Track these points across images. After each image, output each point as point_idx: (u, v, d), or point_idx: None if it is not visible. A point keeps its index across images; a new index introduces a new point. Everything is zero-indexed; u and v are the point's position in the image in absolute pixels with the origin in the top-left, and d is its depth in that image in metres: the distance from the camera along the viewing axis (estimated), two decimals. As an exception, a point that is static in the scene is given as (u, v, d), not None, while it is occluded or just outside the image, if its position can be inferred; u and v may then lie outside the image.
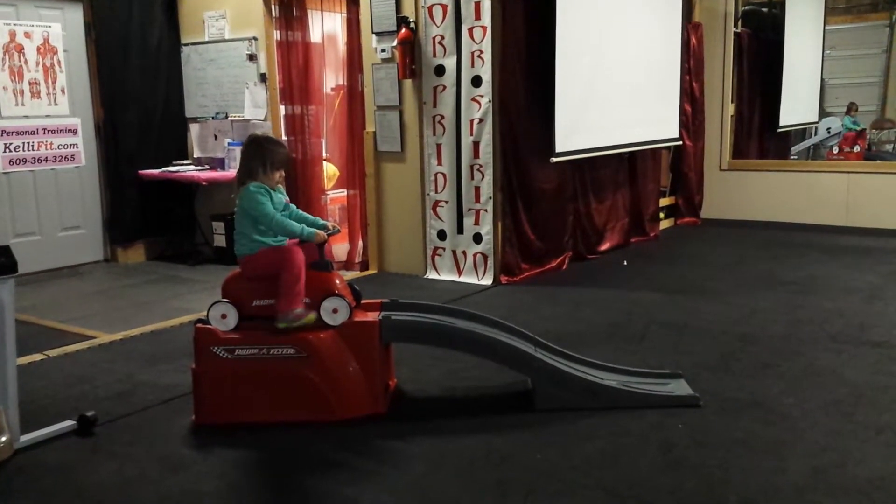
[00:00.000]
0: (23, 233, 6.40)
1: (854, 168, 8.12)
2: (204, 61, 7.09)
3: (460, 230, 5.78)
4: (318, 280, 3.27)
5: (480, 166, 5.63)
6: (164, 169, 6.93)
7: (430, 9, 5.66)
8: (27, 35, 6.29)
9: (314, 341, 3.20)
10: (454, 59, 5.62)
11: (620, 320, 4.71)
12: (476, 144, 5.63)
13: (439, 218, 5.87)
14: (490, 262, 5.69)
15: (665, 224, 7.98)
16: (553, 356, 3.48)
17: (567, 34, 5.71)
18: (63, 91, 6.55)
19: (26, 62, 6.30)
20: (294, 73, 6.59)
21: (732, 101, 8.52)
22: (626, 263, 6.38)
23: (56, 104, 6.51)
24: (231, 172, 6.78)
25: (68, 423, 3.22)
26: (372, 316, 3.35)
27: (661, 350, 4.13)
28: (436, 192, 5.85)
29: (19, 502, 2.69)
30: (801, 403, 3.34)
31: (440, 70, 5.70)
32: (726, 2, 8.19)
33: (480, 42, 5.51)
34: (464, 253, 5.80)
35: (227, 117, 6.96)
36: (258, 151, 3.32)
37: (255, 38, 6.70)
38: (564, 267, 6.18)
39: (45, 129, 6.43)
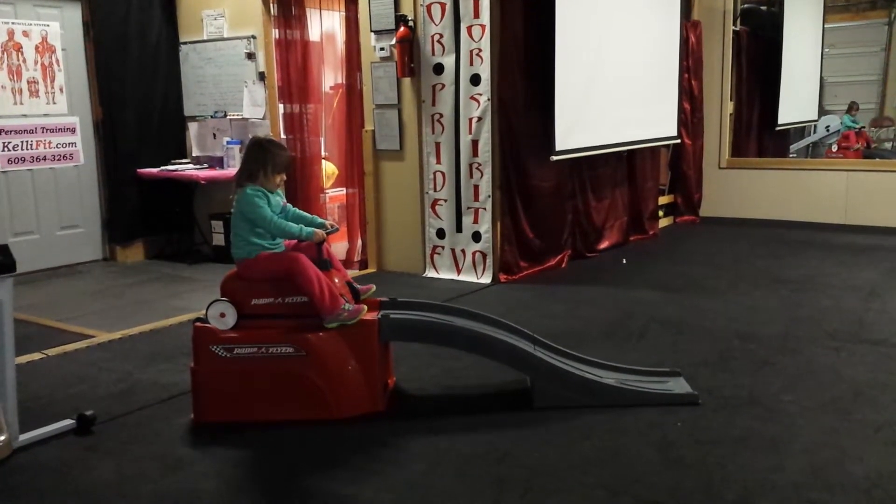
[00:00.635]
0: (21, 232, 6.40)
1: (853, 166, 8.12)
2: (202, 60, 7.09)
3: (459, 229, 5.78)
4: None
5: (479, 165, 5.63)
6: (162, 168, 6.93)
7: (428, 7, 5.66)
8: (25, 34, 6.28)
9: (313, 340, 3.20)
10: (453, 57, 5.62)
11: (619, 318, 4.71)
12: (475, 143, 5.63)
13: (438, 216, 5.87)
14: (489, 260, 5.69)
15: (664, 222, 7.99)
16: (552, 354, 3.48)
17: (566, 32, 5.71)
18: (61, 90, 6.54)
19: (24, 61, 6.29)
20: (293, 71, 6.58)
21: (731, 100, 8.52)
22: (625, 262, 6.38)
23: (54, 103, 6.51)
24: (229, 171, 6.79)
25: (67, 422, 3.22)
26: (370, 315, 3.35)
27: (660, 348, 4.13)
28: (435, 190, 5.85)
29: (18, 501, 2.69)
30: (799, 401, 3.34)
31: (439, 68, 5.70)
32: (725, 0, 8.18)
33: (479, 40, 5.50)
34: (463, 251, 5.80)
35: (225, 116, 6.95)
36: (260, 154, 3.31)
37: (254, 37, 6.69)
38: (563, 265, 6.19)
39: (43, 128, 6.43)
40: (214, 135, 7.02)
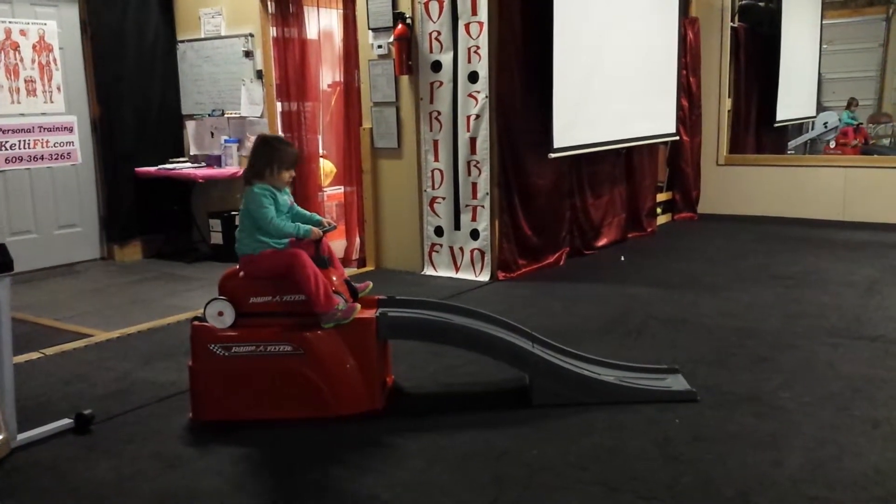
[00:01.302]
0: (19, 231, 6.39)
1: (851, 162, 8.13)
2: (200, 58, 7.08)
3: (457, 226, 5.78)
4: None
5: (477, 162, 5.63)
6: (160, 166, 6.93)
7: (426, 4, 5.65)
8: (23, 33, 6.27)
9: (311, 338, 3.20)
10: (451, 54, 5.62)
11: (618, 315, 4.71)
12: (473, 140, 5.62)
13: (436, 214, 5.86)
14: (487, 258, 5.69)
15: (662, 219, 7.99)
16: (550, 352, 3.48)
17: (564, 29, 5.70)
18: (59, 89, 6.52)
19: (22, 60, 6.28)
20: (290, 69, 6.58)
21: (729, 96, 8.52)
22: (623, 259, 6.38)
23: (52, 102, 6.50)
24: (227, 170, 6.79)
25: (65, 422, 3.22)
26: (368, 313, 3.35)
27: (659, 345, 4.14)
28: (433, 188, 5.85)
29: (17, 500, 2.69)
30: (797, 397, 3.34)
31: (437, 66, 5.69)
32: (723, -3, 8.19)
33: (477, 38, 5.50)
34: (461, 249, 5.79)
35: (223, 114, 6.95)
36: (267, 151, 3.32)
37: (252, 35, 6.68)
38: (562, 263, 6.18)
39: (41, 127, 6.41)
40: (212, 133, 7.02)
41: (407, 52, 5.73)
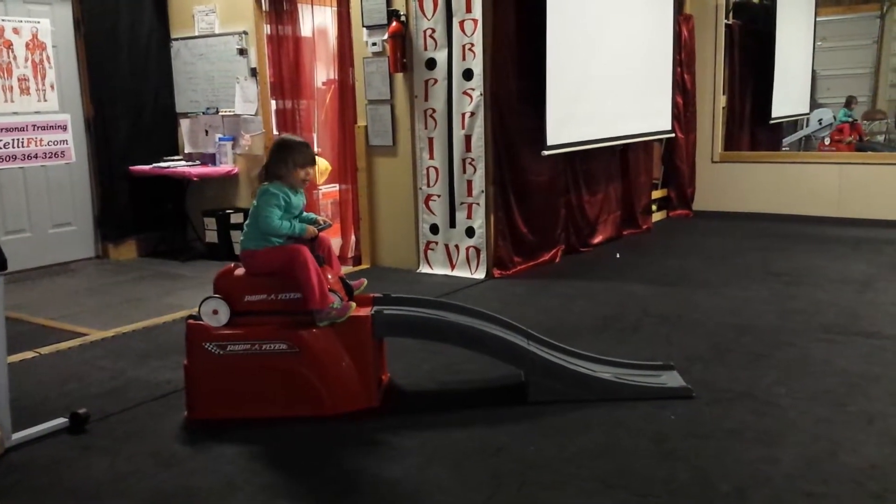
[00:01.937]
0: (13, 230, 6.37)
1: (845, 159, 8.14)
2: (194, 56, 7.06)
3: (453, 224, 5.77)
4: None
5: (472, 160, 5.63)
6: (154, 165, 6.90)
7: (420, 2, 5.64)
8: (16, 31, 6.22)
9: (306, 337, 3.19)
10: (445, 52, 5.61)
11: (613, 313, 4.71)
12: (468, 138, 5.62)
13: (432, 212, 5.86)
14: (483, 255, 5.69)
15: (657, 216, 8.00)
16: (546, 349, 3.48)
17: (558, 26, 5.70)
18: (52, 87, 6.46)
19: (15, 58, 6.23)
20: (285, 67, 6.56)
21: (724, 93, 8.53)
22: (618, 256, 6.39)
23: (45, 100, 6.43)
24: (222, 168, 6.78)
25: (60, 421, 3.21)
26: (364, 311, 3.34)
27: (654, 342, 4.14)
28: (428, 186, 5.84)
29: (12, 500, 2.68)
30: (793, 393, 3.35)
31: (431, 63, 5.68)
32: (717, -6, 8.20)
33: (471, 35, 5.49)
34: (456, 247, 5.79)
35: (217, 112, 6.93)
36: (282, 152, 3.35)
37: (246, 33, 6.67)
38: (557, 260, 6.18)
39: (34, 126, 6.35)
40: (207, 131, 7.00)
41: (401, 50, 5.72)
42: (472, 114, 5.57)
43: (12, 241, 6.11)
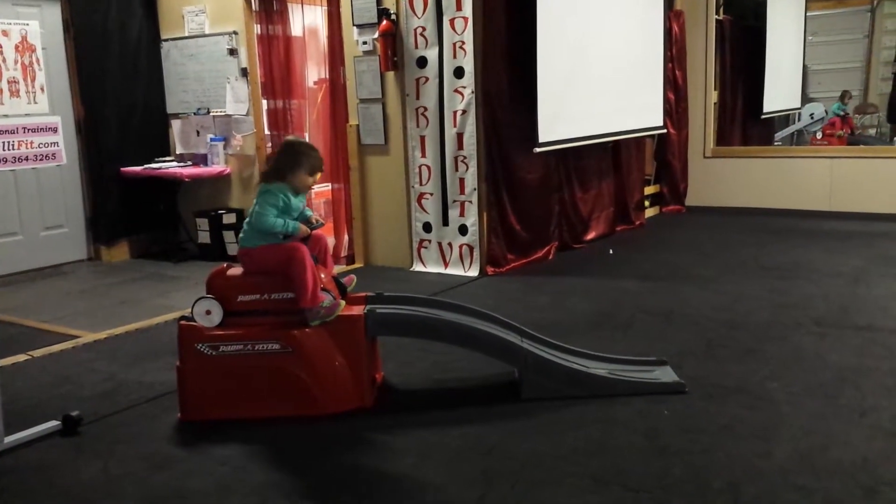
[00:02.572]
0: (4, 233, 6.33)
1: (837, 153, 8.16)
2: (184, 56, 7.03)
3: (446, 222, 5.77)
4: None
5: (465, 158, 5.62)
6: (146, 166, 6.88)
7: (410, 0, 5.64)
8: (4, 33, 6.15)
9: (299, 336, 3.19)
10: (436, 50, 5.60)
11: (607, 309, 4.72)
12: (460, 136, 5.62)
13: (424, 210, 5.85)
14: (476, 253, 5.69)
15: (650, 212, 8.01)
16: (539, 346, 3.48)
17: (549, 24, 5.70)
18: (42, 89, 6.39)
19: (4, 61, 6.17)
20: (275, 67, 6.55)
21: (715, 89, 8.54)
22: (611, 252, 6.39)
23: (35, 102, 6.37)
24: (213, 168, 6.76)
25: (53, 424, 3.19)
26: (357, 310, 3.34)
27: (648, 337, 4.15)
28: (420, 184, 5.84)
29: (5, 503, 2.68)
30: (785, 388, 3.36)
31: (422, 62, 5.68)
32: (708, -11, 8.21)
33: (462, 33, 5.49)
34: (449, 245, 5.79)
35: (208, 113, 6.91)
36: (291, 154, 3.35)
37: (236, 33, 6.65)
38: (551, 257, 6.19)
39: (24, 128, 6.30)
40: (198, 132, 6.98)
41: (392, 49, 5.71)
42: (464, 112, 5.57)
43: (4, 244, 6.10)
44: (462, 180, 5.66)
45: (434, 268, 5.86)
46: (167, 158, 7.06)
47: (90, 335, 4.59)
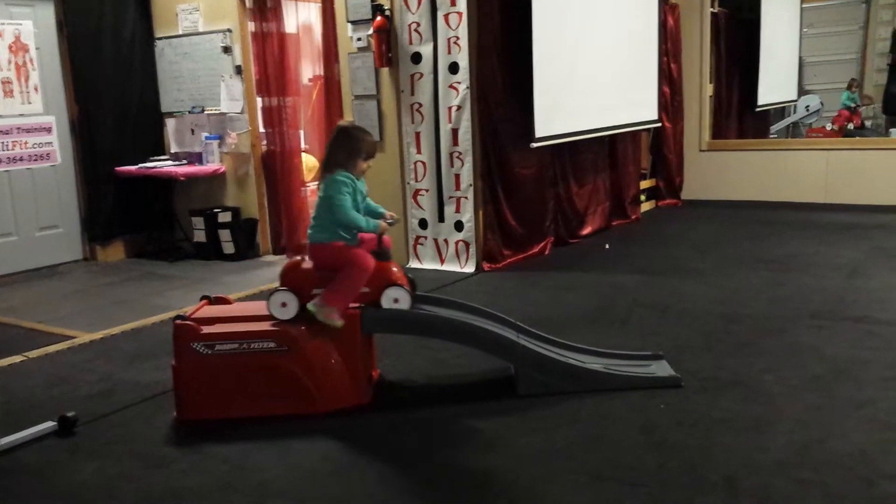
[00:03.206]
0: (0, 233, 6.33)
1: (832, 145, 8.17)
2: (178, 55, 7.02)
3: (441, 218, 5.76)
4: (377, 269, 3.29)
5: (460, 154, 5.61)
6: (140, 165, 6.87)
7: (404, -4, 5.63)
8: (-2, 33, 6.18)
9: (295, 334, 3.18)
10: (430, 46, 5.59)
11: (603, 303, 4.72)
12: (455, 132, 5.60)
13: (420, 207, 5.84)
14: (472, 249, 5.68)
15: (646, 206, 8.00)
16: (535, 341, 3.48)
17: (543, 18, 5.68)
18: (36, 89, 6.43)
19: (-2, 61, 6.19)
20: (270, 64, 6.53)
21: (711, 82, 8.53)
22: (608, 247, 6.39)
23: (30, 103, 6.40)
24: (208, 167, 6.75)
25: (49, 424, 3.18)
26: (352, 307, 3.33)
27: (644, 332, 4.14)
28: (416, 180, 5.83)
29: (0, 505, 2.67)
30: (782, 381, 3.36)
31: (417, 57, 5.66)
32: (703, -18, 8.19)
33: (456, 28, 5.47)
34: (445, 241, 5.78)
35: (203, 111, 6.89)
36: (346, 140, 3.32)
37: (230, 31, 6.63)
38: (547, 252, 6.18)
39: (19, 129, 6.32)
40: (193, 130, 6.96)
41: (386, 45, 5.70)
42: (459, 107, 5.56)
43: (-1, 245, 6.08)
44: (458, 176, 5.65)
45: (430, 264, 5.85)
46: (162, 157, 7.04)
47: (86, 335, 4.58)
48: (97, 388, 3.68)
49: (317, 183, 3.45)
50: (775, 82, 9.53)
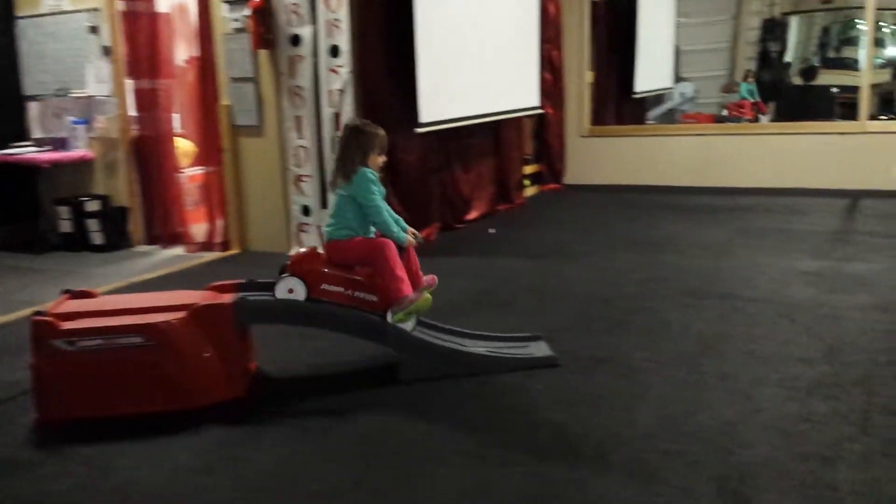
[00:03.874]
0: None
1: (707, 131, 8.54)
2: (42, 35, 6.59)
3: (325, 205, 5.66)
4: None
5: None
6: (1, 152, 6.41)
7: (282, -24, 5.47)
8: None
9: (163, 328, 3.03)
10: (310, 28, 5.46)
11: (488, 287, 4.76)
12: (337, 116, 5.51)
13: (303, 193, 5.72)
14: (356, 235, 5.61)
15: (530, 191, 8.14)
16: (418, 327, 3.46)
17: (427, 3, 5.65)
18: None
19: None
20: (141, 45, 6.21)
21: (591, 69, 8.74)
22: (492, 231, 6.46)
23: None
24: (75, 153, 6.39)
25: None
26: (225, 298, 3.22)
27: (528, 314, 4.21)
28: (297, 166, 5.70)
29: None
30: (652, 357, 3.48)
31: (296, 40, 5.52)
32: (582, -30, 8.36)
33: (336, 10, 5.37)
34: (329, 228, 5.69)
35: (69, 94, 6.49)
36: (359, 138, 3.30)
37: (97, 9, 6.27)
38: (432, 238, 6.19)
39: None
40: (58, 114, 6.55)
41: (264, 26, 5.53)
42: (341, 91, 5.46)
43: None
44: (340, 162, 5.55)
45: (314, 251, 5.75)
46: (24, 143, 6.59)
47: (-62, 335, 4.24)
48: (-52, 392, 3.42)
49: (333, 184, 3.42)
50: (652, 70, 9.86)
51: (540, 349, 3.52)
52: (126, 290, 4.80)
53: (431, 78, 5.78)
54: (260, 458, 2.71)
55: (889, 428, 2.74)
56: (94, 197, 6.37)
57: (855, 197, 7.20)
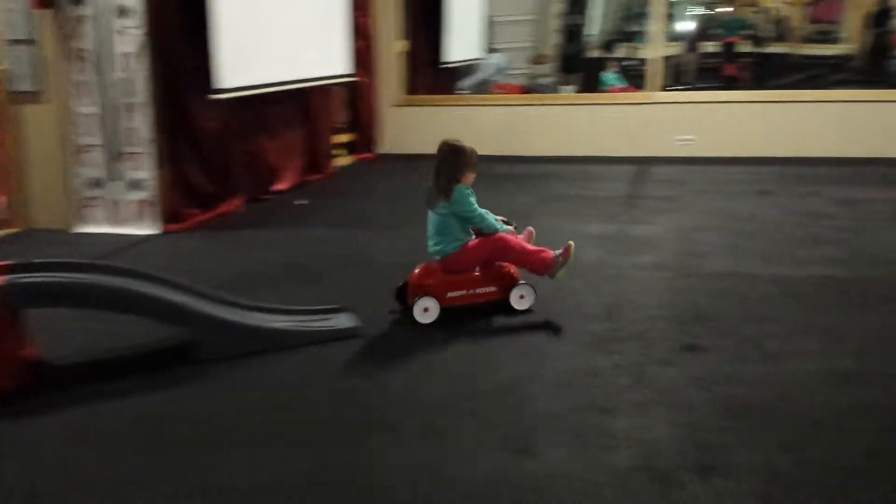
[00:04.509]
0: None
1: (512, 101, 8.83)
2: None
3: (115, 177, 5.30)
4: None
5: (135, 106, 5.18)
6: None
7: (58, -72, 5.02)
8: None
9: (-85, 317, 2.73)
10: (94, -14, 5.06)
11: (297, 259, 4.69)
12: (129, 82, 5.16)
13: (89, 165, 5.33)
14: (153, 210, 5.31)
15: (344, 161, 8.08)
16: (215, 304, 3.34)
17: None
18: None
19: None
20: None
21: (404, 38, 8.74)
22: (302, 203, 6.35)
23: None
24: None
25: None
26: (-7, 281, 2.94)
27: (338, 286, 4.19)
28: (83, 136, 5.29)
29: None
30: (449, 325, 3.56)
31: (78, -1, 5.10)
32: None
33: (123, -32, 5.01)
34: (121, 202, 5.34)
35: None
36: (456, 158, 3.67)
37: None
38: (240, 209, 5.99)
39: None
40: None
41: (42, -17, 5.06)
42: (133, 55, 5.11)
43: None
44: (133, 130, 5.22)
45: (104, 228, 5.38)
46: None
47: None
48: None
49: (431, 204, 3.80)
50: (462, 40, 10.01)
51: (345, 320, 3.51)
52: None
53: (231, 42, 5.54)
54: (36, 455, 2.52)
55: (662, 377, 2.97)
56: None
57: (645, 163, 7.73)
